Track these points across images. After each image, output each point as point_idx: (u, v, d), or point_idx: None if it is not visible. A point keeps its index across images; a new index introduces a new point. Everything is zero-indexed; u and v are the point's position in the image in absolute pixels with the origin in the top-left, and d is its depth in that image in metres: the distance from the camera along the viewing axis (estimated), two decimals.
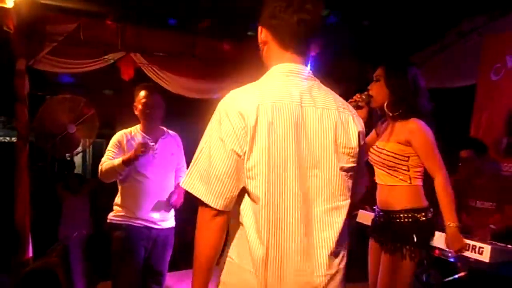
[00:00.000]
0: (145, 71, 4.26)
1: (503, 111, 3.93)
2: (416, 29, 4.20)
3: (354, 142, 1.25)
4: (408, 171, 2.10)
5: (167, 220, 2.74)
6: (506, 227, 2.98)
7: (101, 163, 2.64)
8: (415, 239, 2.05)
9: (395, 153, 2.10)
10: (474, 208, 3.19)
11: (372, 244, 2.28)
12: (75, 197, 4.62)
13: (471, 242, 2.57)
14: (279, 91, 1.19)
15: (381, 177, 2.19)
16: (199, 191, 1.16)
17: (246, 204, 1.18)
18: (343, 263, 1.24)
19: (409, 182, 2.11)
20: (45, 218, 4.20)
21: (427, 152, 2.06)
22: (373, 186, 2.31)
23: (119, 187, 2.71)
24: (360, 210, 3.57)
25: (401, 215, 2.08)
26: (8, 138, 6.89)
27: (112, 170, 2.55)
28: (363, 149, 1.31)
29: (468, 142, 3.27)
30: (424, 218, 2.08)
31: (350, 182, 1.25)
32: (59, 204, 4.52)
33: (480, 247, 2.52)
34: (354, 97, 2.15)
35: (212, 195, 1.15)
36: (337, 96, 1.31)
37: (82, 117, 4.12)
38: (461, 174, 3.32)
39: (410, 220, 2.07)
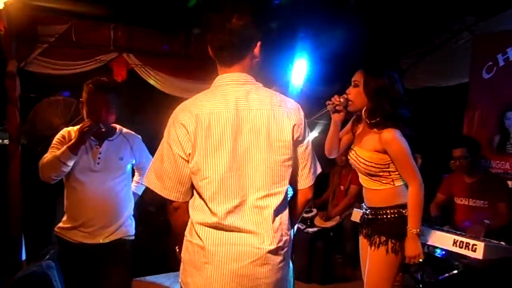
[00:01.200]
0: (138, 71, 4.24)
1: (495, 109, 3.97)
2: (408, 30, 4.22)
3: (287, 136, 1.43)
4: (390, 175, 2.15)
5: (115, 231, 2.33)
6: (500, 224, 3.00)
7: (41, 159, 2.29)
8: (399, 233, 2.11)
9: (374, 163, 2.13)
10: (467, 207, 3.21)
11: (361, 240, 2.34)
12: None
13: (465, 239, 2.59)
14: (216, 99, 1.41)
15: (364, 182, 2.25)
16: (156, 187, 1.45)
17: (195, 194, 1.44)
18: (282, 244, 1.42)
19: (392, 184, 2.16)
20: (38, 221, 4.16)
21: (401, 163, 2.09)
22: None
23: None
24: (355, 209, 3.58)
25: (388, 211, 2.15)
26: (0, 141, 6.83)
27: (55, 161, 2.18)
28: (300, 140, 1.48)
29: (461, 141, 3.29)
30: (406, 214, 2.12)
31: (287, 171, 1.45)
32: (53, 207, 4.48)
33: (473, 244, 2.54)
34: (332, 99, 2.18)
35: (166, 190, 1.44)
36: (276, 95, 1.47)
37: (74, 119, 4.09)
38: (454, 173, 3.34)
39: (396, 215, 2.14)
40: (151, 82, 4.29)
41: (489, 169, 3.66)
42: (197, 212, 1.41)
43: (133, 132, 2.50)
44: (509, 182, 3.41)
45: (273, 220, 1.40)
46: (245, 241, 1.37)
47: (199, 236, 1.39)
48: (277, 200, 1.42)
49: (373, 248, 2.16)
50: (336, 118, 2.22)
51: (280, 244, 1.41)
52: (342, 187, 4.56)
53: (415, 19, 4.01)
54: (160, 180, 1.43)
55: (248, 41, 1.43)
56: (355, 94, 2.16)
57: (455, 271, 2.72)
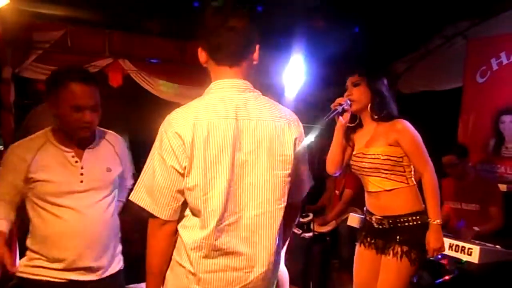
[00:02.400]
0: (133, 77, 4.24)
1: (490, 113, 3.99)
2: (402, 34, 4.24)
3: (289, 149, 1.33)
4: (404, 172, 2.12)
5: (112, 264, 1.86)
6: (493, 228, 3.02)
7: None
8: (423, 242, 2.05)
9: (390, 156, 2.10)
10: (459, 210, 3.23)
11: (362, 250, 2.26)
12: None
13: (460, 243, 2.59)
14: (214, 107, 1.28)
15: (376, 183, 2.15)
16: (145, 203, 1.29)
17: (188, 212, 1.31)
18: (273, 264, 1.34)
19: (407, 183, 2.12)
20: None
21: (415, 150, 2.09)
22: (361, 189, 2.31)
23: (30, 224, 1.82)
24: (351, 214, 3.58)
25: (409, 219, 2.08)
26: None
27: None
28: (301, 154, 1.39)
29: (450, 148, 3.32)
30: (427, 219, 2.07)
31: (285, 187, 1.34)
32: None
33: (469, 248, 2.55)
34: (337, 101, 2.18)
35: (157, 206, 1.28)
36: (275, 105, 1.38)
37: None
38: (446, 178, 3.36)
39: (419, 222, 2.08)
40: (146, 87, 4.29)
41: (482, 173, 3.68)
42: (189, 232, 1.29)
43: (112, 131, 1.97)
44: (504, 186, 3.43)
45: (269, 240, 1.31)
46: (238, 265, 1.28)
47: (190, 262, 1.27)
48: (274, 219, 1.32)
49: (393, 259, 2.07)
50: (344, 119, 2.20)
51: (271, 266, 1.33)
52: (337, 192, 4.56)
53: (409, 24, 4.03)
54: (151, 195, 1.28)
55: (249, 42, 1.33)
56: (359, 93, 2.19)
57: (451, 275, 2.73)
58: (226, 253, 1.27)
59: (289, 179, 1.34)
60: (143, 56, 4.24)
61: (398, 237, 2.07)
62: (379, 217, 2.15)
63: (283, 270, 3.07)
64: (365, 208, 2.30)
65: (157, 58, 4.27)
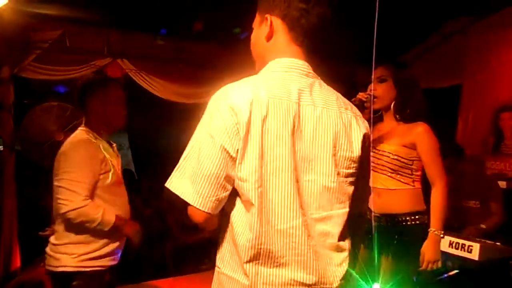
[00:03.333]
0: (132, 77, 4.23)
1: (489, 110, 3.99)
2: (400, 32, 4.24)
3: (356, 146, 1.15)
4: (412, 174, 2.05)
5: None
6: (496, 224, 3.03)
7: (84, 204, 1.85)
8: (421, 241, 2.01)
9: (400, 157, 2.02)
10: (459, 207, 3.23)
11: (362, 250, 2.19)
12: None
13: (460, 241, 2.60)
14: (276, 86, 1.09)
15: (380, 181, 2.09)
16: (185, 193, 1.07)
17: (237, 208, 1.09)
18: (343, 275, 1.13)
19: (412, 185, 2.05)
20: (33, 227, 4.14)
21: (431, 158, 2.01)
22: None
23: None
24: None
25: (407, 218, 2.03)
26: None
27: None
28: (367, 153, 1.20)
29: (447, 151, 3.33)
30: (427, 221, 2.04)
31: (350, 189, 1.14)
32: (48, 213, 4.46)
33: (469, 246, 2.55)
34: (359, 96, 2.01)
35: (200, 197, 1.06)
36: (340, 95, 1.20)
37: (69, 124, 4.07)
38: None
39: (418, 222, 2.03)
40: (146, 87, 4.28)
41: (481, 170, 3.68)
42: (242, 233, 1.06)
43: None
44: (504, 183, 3.44)
45: (334, 249, 1.11)
46: (298, 278, 1.06)
47: (244, 272, 1.05)
48: (339, 225, 1.12)
49: (391, 260, 2.04)
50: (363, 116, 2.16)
51: (338, 281, 1.11)
52: None
53: (408, 21, 4.03)
54: (194, 182, 1.05)
55: (323, 24, 1.18)
56: (384, 89, 2.07)
57: (452, 272, 2.73)
58: (285, 262, 1.06)
59: (353, 179, 1.15)
60: (142, 55, 4.23)
61: (396, 236, 2.03)
62: (377, 215, 2.10)
63: None
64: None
65: (157, 57, 4.26)
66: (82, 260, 1.90)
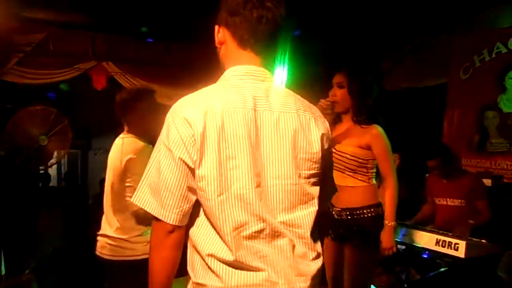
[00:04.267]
0: (118, 79, 4.20)
1: (474, 109, 4.04)
2: (387, 32, 4.28)
3: (316, 147, 1.15)
4: (367, 172, 2.24)
5: None
6: (484, 221, 3.05)
7: None
8: (377, 230, 2.20)
9: (357, 157, 2.21)
10: (446, 206, 3.25)
11: (327, 242, 2.35)
12: (50, 212, 4.51)
13: (447, 239, 2.62)
14: (230, 95, 1.10)
15: (339, 179, 2.23)
16: (150, 206, 1.08)
17: (201, 217, 1.10)
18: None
19: (368, 182, 2.24)
20: (18, 234, 4.07)
21: (384, 157, 2.21)
22: None
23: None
24: None
25: (364, 211, 2.21)
26: None
27: None
28: (328, 153, 1.22)
29: (434, 151, 3.35)
30: (381, 212, 2.22)
31: (313, 189, 1.15)
32: (33, 219, 4.40)
33: (455, 243, 2.57)
34: (320, 103, 2.20)
35: (164, 210, 1.07)
36: (298, 98, 1.21)
37: (54, 129, 4.02)
38: (433, 175, 3.39)
39: (374, 214, 2.21)
40: None
41: (467, 168, 3.72)
42: (207, 242, 1.07)
43: None
44: (489, 181, 3.47)
45: (304, 248, 1.12)
46: (270, 279, 1.07)
47: (216, 274, 1.05)
48: (306, 223, 1.13)
49: (353, 248, 2.21)
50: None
51: (317, 275, 1.13)
52: None
53: (393, 21, 4.07)
54: (157, 195, 1.08)
55: (278, 28, 1.17)
56: (342, 95, 2.25)
57: (439, 270, 2.75)
58: (253, 266, 1.06)
59: (316, 180, 1.16)
60: (128, 58, 4.20)
61: (355, 228, 2.20)
62: (338, 209, 2.27)
63: None
64: None
65: (142, 60, 4.24)
66: None
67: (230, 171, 1.05)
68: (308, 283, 1.10)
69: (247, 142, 1.07)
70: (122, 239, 2.15)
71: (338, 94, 2.25)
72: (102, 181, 5.97)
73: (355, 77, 2.25)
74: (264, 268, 1.06)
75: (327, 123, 1.22)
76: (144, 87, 2.56)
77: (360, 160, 2.21)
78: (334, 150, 2.23)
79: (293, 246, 1.10)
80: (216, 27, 1.21)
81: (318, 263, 1.14)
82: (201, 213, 1.10)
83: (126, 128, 2.27)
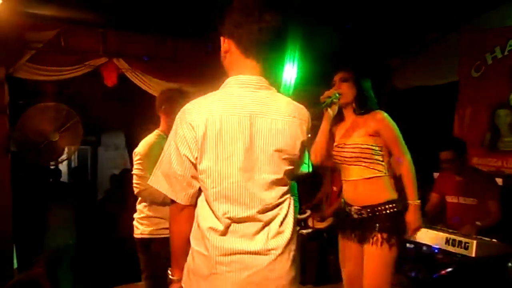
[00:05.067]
0: (128, 76, 4.22)
1: (485, 107, 4.00)
2: (397, 30, 4.25)
3: (296, 150, 1.39)
4: (383, 161, 2.24)
5: None
6: (492, 222, 3.01)
7: None
8: (400, 227, 2.21)
9: (370, 145, 2.22)
10: (457, 204, 3.22)
11: (344, 242, 2.35)
12: (61, 207, 4.56)
13: (457, 238, 2.60)
14: (230, 103, 1.33)
15: (357, 172, 2.26)
16: (163, 188, 1.37)
17: (203, 201, 1.37)
18: (290, 246, 1.38)
19: (385, 173, 2.24)
20: (30, 229, 4.13)
21: (395, 138, 2.24)
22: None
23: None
24: None
25: (386, 207, 2.20)
26: None
27: None
28: (304, 154, 1.47)
29: (447, 143, 3.30)
30: (401, 208, 2.22)
31: (289, 181, 1.42)
32: (44, 214, 4.45)
33: (466, 243, 2.56)
34: (326, 93, 2.30)
35: (174, 192, 1.36)
36: (290, 103, 1.42)
37: (65, 125, 4.06)
38: (444, 172, 3.36)
39: (395, 210, 2.20)
40: (142, 86, 4.27)
41: (478, 167, 3.68)
42: (207, 219, 1.34)
43: None
44: (500, 180, 3.43)
45: (280, 225, 1.36)
46: (247, 248, 1.32)
47: (211, 242, 1.32)
48: (285, 208, 1.38)
49: (374, 247, 2.17)
50: (332, 111, 2.32)
51: (288, 247, 1.37)
52: (335, 188, 4.56)
53: (404, 19, 4.04)
54: (168, 180, 1.36)
55: (281, 41, 1.40)
56: (346, 87, 2.33)
57: (449, 269, 2.73)
58: (236, 242, 1.33)
59: (291, 174, 1.42)
60: (138, 54, 4.21)
61: (377, 225, 2.18)
62: (357, 208, 2.26)
63: None
64: (343, 200, 2.40)
65: (152, 57, 4.25)
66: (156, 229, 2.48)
67: (225, 168, 1.31)
68: (279, 251, 1.34)
69: (241, 144, 1.31)
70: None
71: (343, 87, 2.34)
72: (113, 177, 6.02)
73: (360, 71, 2.37)
74: (245, 245, 1.32)
75: (310, 123, 1.45)
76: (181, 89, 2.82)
77: (373, 147, 2.23)
78: (345, 145, 2.30)
79: (269, 228, 1.35)
80: (222, 38, 1.40)
81: (287, 235, 1.37)
82: (203, 197, 1.37)
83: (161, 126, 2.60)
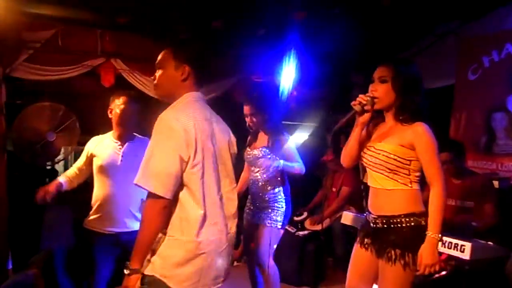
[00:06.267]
0: (125, 77, 4.22)
1: (481, 110, 4.02)
2: (394, 33, 4.26)
3: (235, 147, 1.93)
4: (409, 175, 1.98)
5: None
6: (487, 225, 3.03)
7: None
8: (416, 245, 1.93)
9: (398, 156, 1.97)
10: (454, 207, 3.23)
11: (358, 250, 2.14)
12: (57, 207, 4.54)
13: (453, 240, 2.61)
14: (198, 113, 1.72)
15: (378, 180, 2.04)
16: (153, 187, 1.57)
17: (184, 191, 1.67)
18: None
19: (409, 186, 1.99)
20: (26, 229, 4.11)
21: (430, 158, 1.95)
22: (359, 187, 2.29)
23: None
24: (345, 212, 3.59)
25: (402, 220, 1.96)
26: None
27: None
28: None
29: (446, 145, 3.30)
30: (424, 223, 1.94)
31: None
32: (40, 214, 4.43)
33: (461, 245, 2.56)
34: (359, 99, 2.01)
35: (164, 188, 1.58)
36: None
37: (62, 125, 4.05)
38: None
39: (413, 224, 1.95)
40: (139, 87, 4.27)
41: (475, 170, 3.69)
42: (193, 209, 1.65)
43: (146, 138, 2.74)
44: (496, 183, 3.45)
45: (236, 209, 1.85)
46: (224, 229, 1.76)
47: (196, 234, 1.65)
48: (236, 193, 1.89)
49: (388, 263, 1.96)
50: (364, 119, 2.05)
51: (235, 228, 1.86)
52: (334, 189, 4.58)
53: (401, 23, 4.05)
54: (158, 178, 1.58)
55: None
56: (384, 91, 2.00)
57: (444, 272, 2.74)
58: (216, 222, 1.72)
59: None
60: (135, 55, 4.21)
61: (392, 239, 1.96)
62: (374, 216, 2.05)
63: (272, 270, 3.07)
64: (365, 205, 2.19)
65: (150, 58, 4.24)
66: None
67: (207, 164, 1.69)
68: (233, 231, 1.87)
69: (211, 143, 1.72)
70: None
71: (380, 89, 2.01)
72: None
73: (401, 70, 2.01)
74: (221, 221, 1.75)
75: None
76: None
77: (401, 160, 1.96)
78: (373, 149, 2.05)
79: (233, 207, 1.85)
80: (183, 66, 1.79)
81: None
82: (181, 193, 1.67)
83: None
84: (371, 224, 2.05)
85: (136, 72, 4.23)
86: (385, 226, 1.99)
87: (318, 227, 4.42)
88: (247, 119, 3.03)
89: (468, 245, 2.52)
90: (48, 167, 5.19)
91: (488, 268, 2.66)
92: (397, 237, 1.94)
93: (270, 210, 2.98)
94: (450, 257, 2.59)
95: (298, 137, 3.32)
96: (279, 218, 2.99)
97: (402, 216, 1.96)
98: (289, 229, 4.16)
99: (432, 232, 1.89)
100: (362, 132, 2.09)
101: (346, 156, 2.15)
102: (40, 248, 4.06)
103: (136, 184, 1.61)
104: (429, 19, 4.13)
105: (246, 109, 3.03)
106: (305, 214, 4.64)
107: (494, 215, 3.06)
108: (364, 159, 2.10)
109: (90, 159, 2.77)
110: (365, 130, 2.12)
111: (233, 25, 3.76)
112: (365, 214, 2.16)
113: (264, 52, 4.34)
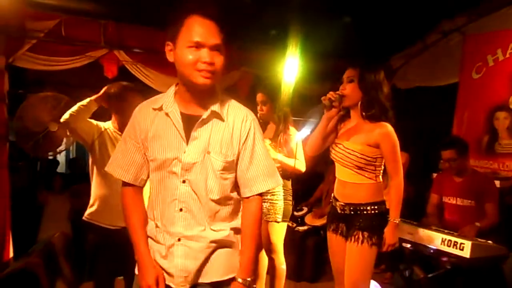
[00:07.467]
0: (128, 68, 4.20)
1: (484, 109, 4.00)
2: (399, 29, 4.24)
3: None
4: (375, 170, 2.25)
5: None
6: (491, 225, 3.03)
7: None
8: (380, 227, 2.24)
9: (365, 155, 2.22)
10: (455, 206, 3.23)
11: (331, 236, 2.40)
12: (58, 197, 4.55)
13: (453, 238, 2.61)
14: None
15: (346, 175, 2.30)
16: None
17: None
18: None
19: (374, 180, 2.26)
20: (26, 218, 4.12)
21: (393, 156, 2.22)
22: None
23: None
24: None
25: (368, 208, 2.24)
26: None
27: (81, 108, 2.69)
28: None
29: (450, 142, 3.30)
30: (385, 210, 2.26)
31: None
32: (41, 204, 4.45)
33: (461, 243, 2.57)
34: (328, 95, 2.26)
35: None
36: None
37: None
38: (444, 172, 3.36)
39: (377, 211, 2.24)
40: (142, 79, 4.26)
41: (477, 169, 3.69)
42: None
43: None
44: (497, 182, 3.44)
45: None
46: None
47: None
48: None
49: (355, 243, 2.23)
50: (330, 114, 2.31)
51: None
52: None
53: (406, 18, 4.02)
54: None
55: None
56: (351, 89, 2.25)
57: (443, 270, 2.74)
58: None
59: None
60: (139, 47, 4.20)
61: (358, 223, 2.23)
62: (342, 204, 2.30)
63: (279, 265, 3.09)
64: (333, 195, 2.43)
65: (153, 49, 4.23)
66: None
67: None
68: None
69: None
70: None
71: (348, 88, 2.26)
72: None
73: (366, 71, 2.24)
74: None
75: None
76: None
77: (368, 158, 2.22)
78: (342, 147, 2.29)
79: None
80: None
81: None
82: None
83: None
84: (339, 211, 2.32)
85: (139, 64, 4.21)
86: (352, 212, 2.27)
87: (319, 222, 4.42)
88: (258, 108, 3.03)
89: (468, 243, 2.52)
90: (50, 157, 5.21)
91: (487, 267, 2.67)
92: (365, 222, 2.23)
93: (268, 204, 2.98)
94: (450, 255, 2.59)
95: (301, 133, 3.33)
96: (277, 212, 2.99)
97: (368, 204, 2.24)
98: (289, 223, 4.16)
99: (394, 217, 2.23)
100: (328, 126, 2.34)
101: (309, 145, 2.43)
102: (40, 236, 4.09)
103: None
104: (435, 15, 4.10)
105: (259, 96, 3.06)
106: (305, 209, 4.65)
107: (495, 215, 3.06)
108: (332, 154, 2.36)
109: (97, 129, 2.74)
110: (332, 124, 2.36)
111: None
112: (331, 201, 2.43)
113: (267, 47, 4.33)
